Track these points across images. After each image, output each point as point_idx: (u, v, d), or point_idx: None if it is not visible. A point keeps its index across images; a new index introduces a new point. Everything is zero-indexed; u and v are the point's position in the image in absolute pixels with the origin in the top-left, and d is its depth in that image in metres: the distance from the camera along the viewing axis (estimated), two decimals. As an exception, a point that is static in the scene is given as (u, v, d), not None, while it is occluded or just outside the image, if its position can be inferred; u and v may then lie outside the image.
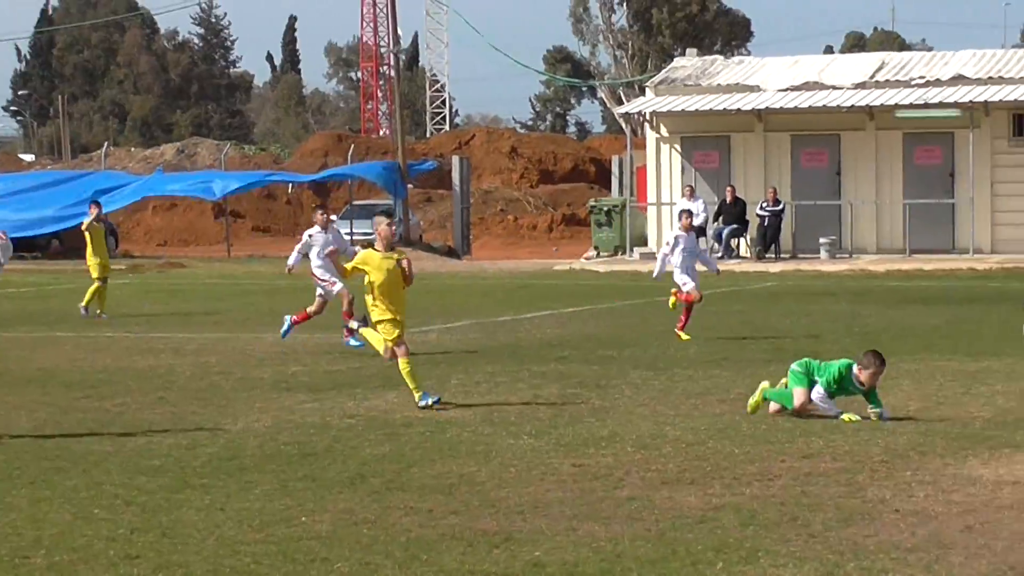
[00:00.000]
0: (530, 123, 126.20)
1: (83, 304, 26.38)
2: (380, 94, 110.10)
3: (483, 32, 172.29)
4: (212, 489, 10.58)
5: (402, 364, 14.66)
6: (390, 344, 14.73)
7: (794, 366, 13.92)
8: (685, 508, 9.82)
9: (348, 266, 15.12)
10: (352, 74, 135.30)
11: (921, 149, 43.73)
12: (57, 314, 27.55)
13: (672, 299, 21.87)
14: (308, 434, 13.06)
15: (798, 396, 13.60)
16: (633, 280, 36.94)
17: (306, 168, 66.08)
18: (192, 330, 23.70)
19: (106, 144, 70.48)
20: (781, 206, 43.14)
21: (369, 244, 15.45)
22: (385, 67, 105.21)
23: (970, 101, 42.47)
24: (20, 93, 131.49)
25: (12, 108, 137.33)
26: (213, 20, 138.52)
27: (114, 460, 11.82)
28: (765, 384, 13.96)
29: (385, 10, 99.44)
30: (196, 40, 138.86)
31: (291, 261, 21.96)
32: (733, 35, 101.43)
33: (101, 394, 15.92)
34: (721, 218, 43.21)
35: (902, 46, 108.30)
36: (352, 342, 19.89)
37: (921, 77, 44.68)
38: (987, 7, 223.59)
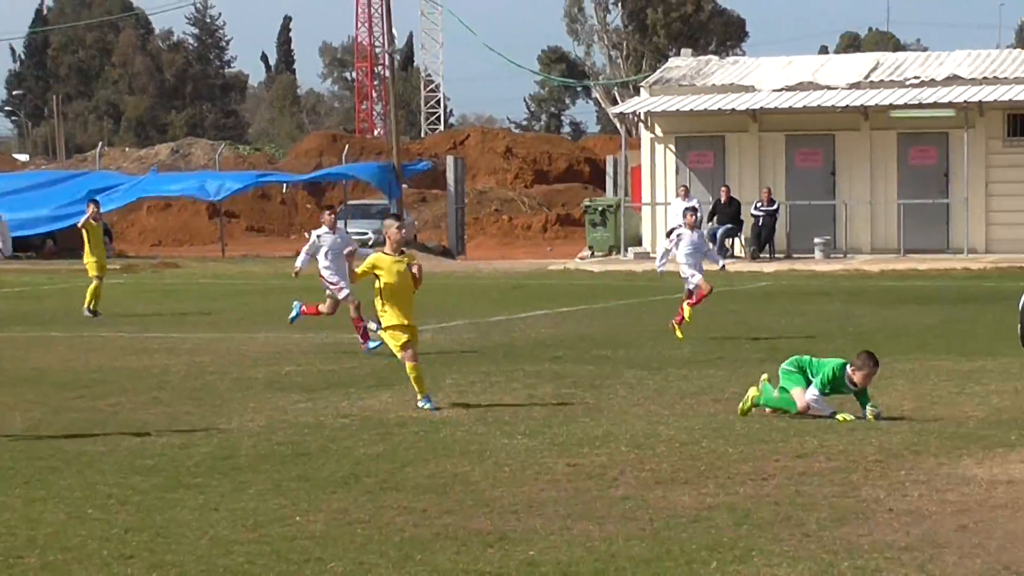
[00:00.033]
0: (525, 123, 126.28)
1: (86, 306, 26.25)
2: (375, 94, 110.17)
3: (478, 32, 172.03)
4: (206, 489, 10.57)
5: (409, 368, 14.58)
6: (398, 350, 14.61)
7: (785, 365, 13.87)
8: (679, 507, 9.82)
9: (359, 270, 14.91)
10: (347, 74, 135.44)
11: (916, 149, 43.75)
12: (51, 314, 27.53)
13: (679, 332, 21.24)
14: (302, 434, 13.05)
15: (799, 399, 13.53)
16: (627, 280, 36.95)
17: (301, 168, 66.06)
18: (186, 330, 23.69)
19: (100, 144, 70.43)
20: (776, 206, 43.16)
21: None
22: (380, 67, 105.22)
23: (965, 101, 42.50)
24: (15, 93, 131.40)
25: (7, 108, 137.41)
26: (208, 20, 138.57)
27: (108, 460, 11.81)
28: (754, 392, 13.82)
29: (380, 10, 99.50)
30: (191, 40, 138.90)
31: (299, 263, 21.27)
32: (728, 35, 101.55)
33: (95, 394, 15.91)
34: (716, 218, 43.22)
35: (897, 46, 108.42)
36: (370, 345, 19.57)
37: (916, 77, 44.71)
38: (982, 7, 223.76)
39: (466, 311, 26.91)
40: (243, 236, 62.46)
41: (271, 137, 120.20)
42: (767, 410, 13.73)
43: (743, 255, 43.58)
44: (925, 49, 75.08)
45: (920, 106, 42.82)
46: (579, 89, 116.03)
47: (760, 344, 20.46)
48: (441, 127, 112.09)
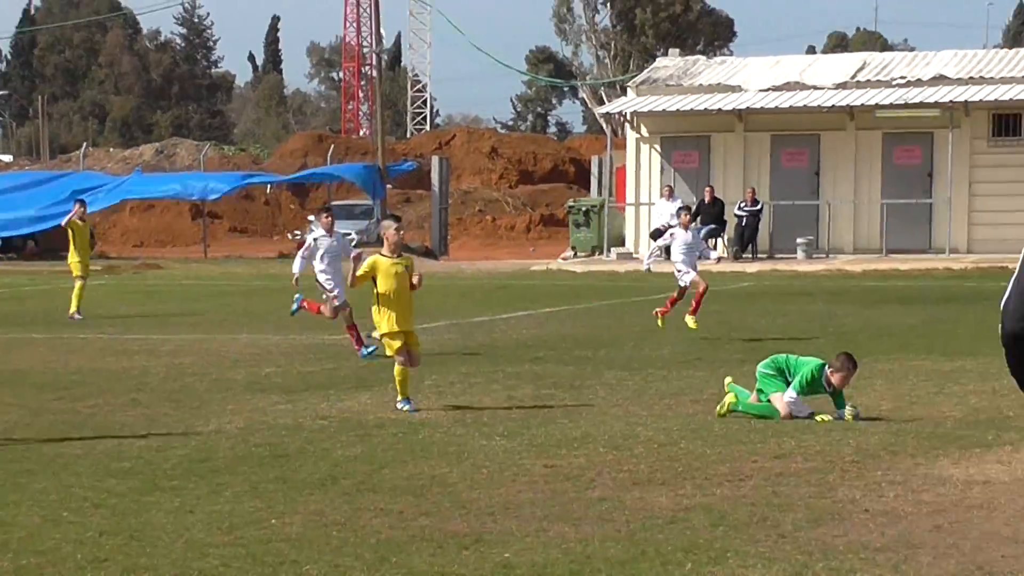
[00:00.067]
0: (511, 123, 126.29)
1: (73, 312, 25.83)
2: (361, 94, 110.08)
3: (466, 31, 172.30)
4: (182, 491, 10.54)
5: (397, 370, 14.53)
6: (395, 354, 14.55)
7: (761, 367, 13.80)
8: (656, 509, 9.81)
9: (358, 273, 14.76)
10: (334, 74, 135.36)
11: (901, 149, 43.82)
12: (32, 315, 27.47)
13: (661, 322, 21.96)
14: (280, 436, 13.02)
15: (780, 406, 13.49)
16: (610, 280, 36.96)
17: (286, 168, 66.03)
18: (168, 331, 23.63)
19: (84, 144, 70.31)
20: (759, 206, 43.19)
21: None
22: (367, 67, 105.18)
23: (950, 101, 42.58)
24: (0, 93, 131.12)
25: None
26: (196, 20, 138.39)
27: (84, 462, 11.77)
28: (730, 399, 13.78)
29: (368, 10, 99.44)
30: (178, 40, 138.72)
31: (296, 269, 20.21)
32: (716, 35, 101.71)
33: (74, 396, 15.86)
34: (699, 218, 43.20)
35: (884, 46, 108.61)
36: (365, 351, 19.15)
37: (902, 77, 44.78)
38: (970, 7, 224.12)
39: (448, 312, 26.88)
40: (226, 237, 62.41)
41: (256, 137, 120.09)
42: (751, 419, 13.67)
43: (726, 255, 43.59)
44: (912, 49, 75.18)
45: (906, 106, 42.91)
46: (566, 89, 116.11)
47: (741, 345, 20.47)
48: (427, 127, 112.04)
